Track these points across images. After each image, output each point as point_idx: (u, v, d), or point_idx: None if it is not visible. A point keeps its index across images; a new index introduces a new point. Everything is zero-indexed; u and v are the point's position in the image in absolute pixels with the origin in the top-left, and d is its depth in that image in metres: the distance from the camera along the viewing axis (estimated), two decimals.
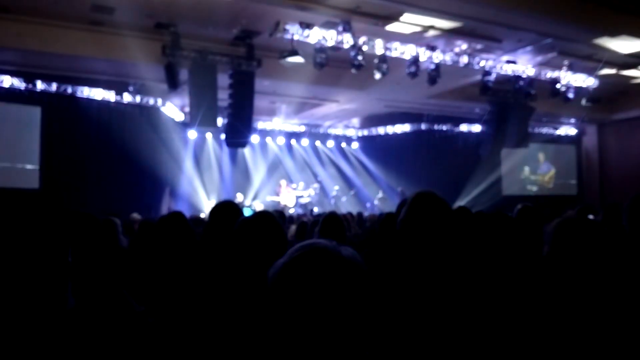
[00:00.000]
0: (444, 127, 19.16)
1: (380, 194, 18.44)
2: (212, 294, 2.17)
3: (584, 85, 14.06)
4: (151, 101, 14.71)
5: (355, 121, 20.27)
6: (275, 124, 18.55)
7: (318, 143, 19.92)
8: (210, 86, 11.30)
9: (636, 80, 15.08)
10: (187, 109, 13.23)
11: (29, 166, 13.21)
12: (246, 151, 17.28)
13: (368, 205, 18.47)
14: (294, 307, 1.18)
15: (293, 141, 19.33)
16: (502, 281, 2.33)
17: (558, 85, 13.96)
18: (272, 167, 18.41)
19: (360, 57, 10.97)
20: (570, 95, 14.19)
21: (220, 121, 12.57)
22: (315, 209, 16.27)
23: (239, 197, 15.92)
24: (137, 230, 5.94)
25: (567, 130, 21.05)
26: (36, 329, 1.60)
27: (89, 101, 13.76)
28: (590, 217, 4.48)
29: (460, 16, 10.25)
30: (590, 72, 13.77)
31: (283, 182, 17.18)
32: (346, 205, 17.60)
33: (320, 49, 10.61)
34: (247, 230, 2.25)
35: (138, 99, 14.44)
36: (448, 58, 12.04)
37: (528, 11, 10.00)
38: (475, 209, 4.90)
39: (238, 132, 12.31)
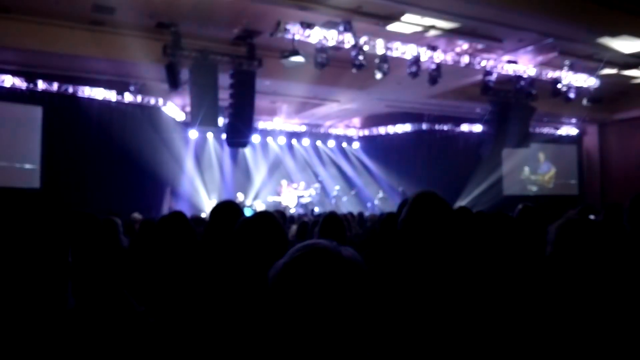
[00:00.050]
0: (445, 127, 19.15)
1: (380, 194, 18.44)
2: (212, 294, 2.17)
3: (585, 85, 14.05)
4: (152, 101, 14.72)
5: (356, 121, 20.28)
6: (276, 123, 18.56)
7: (319, 143, 19.92)
8: (211, 86, 11.30)
9: (637, 80, 15.07)
10: (188, 109, 13.24)
11: (29, 166, 13.22)
12: (247, 151, 17.27)
13: (369, 205, 18.46)
14: (295, 308, 1.18)
15: (294, 141, 19.32)
16: (503, 281, 2.32)
17: (559, 85, 13.95)
18: (273, 167, 18.41)
19: (361, 57, 10.97)
20: (571, 95, 14.18)
21: (221, 121, 12.57)
22: (316, 209, 16.27)
23: (239, 197, 15.93)
24: (138, 230, 5.94)
25: (568, 130, 21.04)
26: (36, 329, 1.60)
27: (90, 101, 13.77)
28: (591, 217, 4.48)
29: (461, 16, 10.24)
30: (591, 72, 13.76)
31: (284, 182, 17.19)
32: (347, 205, 17.60)
33: (321, 49, 10.61)
34: (248, 231, 2.25)
35: (139, 98, 14.46)
36: (449, 58, 12.03)
37: (529, 11, 10.00)
38: (476, 209, 4.90)
39: (239, 132, 12.31)
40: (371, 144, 20.11)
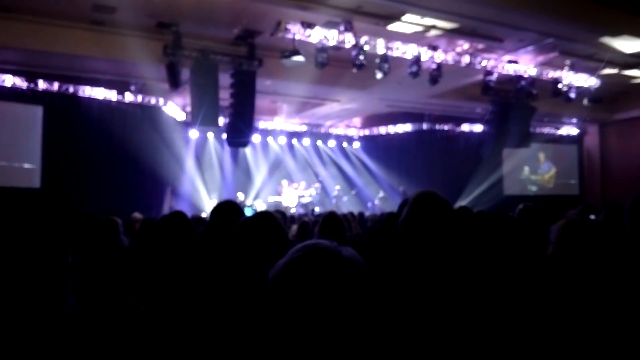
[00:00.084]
0: (446, 127, 19.15)
1: (381, 194, 18.44)
2: (213, 294, 2.17)
3: (586, 85, 14.05)
4: (153, 101, 14.72)
5: (357, 121, 20.27)
6: (277, 123, 18.56)
7: (319, 143, 19.92)
8: (212, 86, 11.30)
9: (638, 80, 15.06)
10: (188, 109, 13.23)
11: (30, 165, 13.22)
12: (247, 151, 17.27)
13: (369, 205, 18.46)
14: (295, 308, 1.18)
15: (294, 141, 19.32)
16: (504, 281, 2.32)
17: (560, 85, 13.95)
18: (273, 167, 18.41)
19: (361, 57, 10.97)
20: (572, 95, 14.18)
21: (221, 121, 12.56)
22: (317, 209, 16.27)
23: (239, 197, 15.94)
24: (138, 229, 5.95)
25: (569, 130, 21.03)
26: (36, 329, 1.60)
27: (91, 100, 13.78)
28: (592, 217, 4.48)
29: (462, 16, 10.24)
30: (591, 72, 13.76)
31: (285, 182, 17.19)
32: (347, 205, 17.60)
33: (322, 49, 10.61)
34: (248, 231, 2.25)
35: (139, 98, 14.46)
36: (449, 58, 12.03)
37: (529, 11, 9.99)
38: (477, 209, 4.90)
39: (239, 132, 12.32)
40: (372, 144, 20.10)
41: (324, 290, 1.17)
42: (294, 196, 16.94)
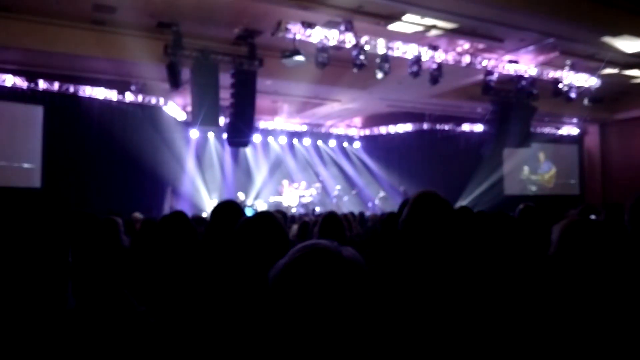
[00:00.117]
0: (446, 127, 19.14)
1: (381, 194, 18.42)
2: (213, 294, 2.17)
3: (586, 85, 14.05)
4: (153, 100, 14.72)
5: (357, 121, 20.26)
6: (277, 123, 18.54)
7: (320, 142, 19.90)
8: (212, 85, 11.31)
9: (638, 79, 15.05)
10: (189, 108, 13.23)
11: (30, 165, 13.22)
12: (248, 150, 17.26)
13: (369, 205, 18.45)
14: (296, 308, 1.18)
15: (295, 140, 19.30)
16: (505, 281, 2.32)
17: (560, 85, 13.95)
18: (274, 167, 18.39)
19: (362, 57, 10.98)
20: (573, 94, 14.18)
21: (222, 120, 12.57)
22: (317, 209, 16.26)
23: (240, 197, 15.93)
24: (139, 229, 5.94)
25: (569, 130, 21.04)
26: (36, 329, 1.59)
27: (91, 100, 13.77)
28: (592, 217, 4.48)
29: (463, 16, 10.24)
30: (592, 71, 13.75)
31: (285, 182, 17.19)
32: (348, 204, 17.59)
33: (322, 49, 10.61)
34: (249, 231, 2.25)
35: (140, 98, 14.45)
36: (450, 58, 12.03)
37: (530, 11, 9.99)
38: (477, 209, 4.90)
39: (240, 132, 12.32)
40: (372, 144, 20.09)
41: (324, 291, 1.17)
42: (295, 196, 16.93)
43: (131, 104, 14.38)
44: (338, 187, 18.60)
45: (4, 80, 12.58)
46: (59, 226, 2.11)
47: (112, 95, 14.00)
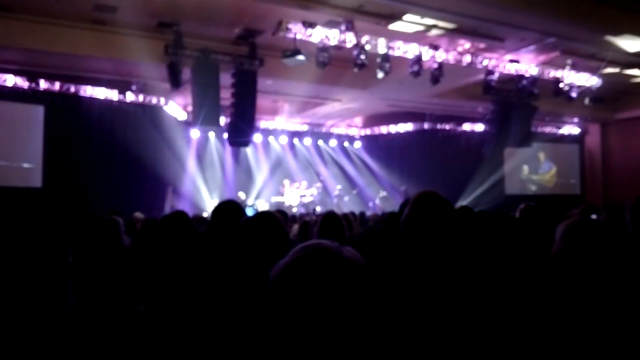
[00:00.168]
0: (447, 127, 19.14)
1: (382, 193, 18.42)
2: (214, 293, 2.17)
3: (587, 85, 14.03)
4: (154, 100, 14.72)
5: (358, 120, 20.26)
6: (278, 123, 18.55)
7: (321, 142, 19.91)
8: (213, 85, 11.31)
9: (639, 79, 15.04)
10: (189, 108, 13.23)
11: (31, 165, 13.23)
12: (249, 150, 17.27)
13: (370, 204, 18.45)
14: (296, 308, 1.18)
15: (295, 140, 19.30)
16: (506, 280, 2.32)
17: (561, 85, 13.94)
18: (274, 166, 18.40)
19: (362, 56, 10.97)
20: (573, 94, 14.16)
21: (222, 120, 12.57)
22: (318, 209, 16.26)
23: (241, 196, 15.94)
24: (139, 229, 5.94)
25: (570, 129, 21.02)
26: (37, 329, 1.59)
27: (92, 100, 13.78)
28: (594, 216, 4.48)
29: (463, 15, 10.23)
30: (593, 71, 13.74)
31: (286, 182, 17.19)
32: (348, 204, 17.59)
33: (323, 48, 10.61)
34: (249, 230, 2.25)
35: (141, 98, 14.46)
36: (451, 57, 12.02)
37: (531, 10, 9.98)
38: (478, 209, 4.90)
39: (241, 131, 12.32)
40: (373, 144, 20.09)
41: (325, 290, 1.17)
42: (296, 196, 16.94)
43: (132, 103, 14.39)
44: (339, 186, 18.60)
45: (4, 80, 12.60)
46: (60, 226, 2.11)
47: (112, 95, 14.01)
